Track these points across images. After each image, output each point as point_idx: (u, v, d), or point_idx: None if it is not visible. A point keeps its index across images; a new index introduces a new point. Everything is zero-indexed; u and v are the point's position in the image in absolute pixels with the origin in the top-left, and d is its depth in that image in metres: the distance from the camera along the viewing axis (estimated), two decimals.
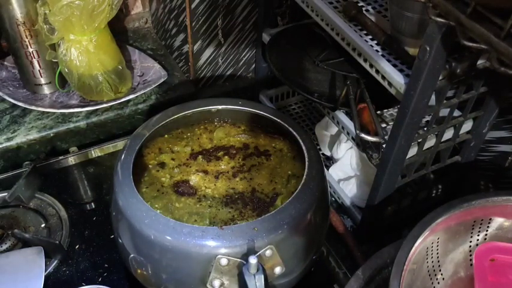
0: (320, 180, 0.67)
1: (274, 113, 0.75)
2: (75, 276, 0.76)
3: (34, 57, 0.92)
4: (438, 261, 0.59)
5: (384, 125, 0.74)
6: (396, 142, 0.64)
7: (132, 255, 0.65)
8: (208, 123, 0.80)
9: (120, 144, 0.95)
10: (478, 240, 0.60)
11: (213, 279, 0.60)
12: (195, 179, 0.71)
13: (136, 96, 0.98)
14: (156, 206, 0.67)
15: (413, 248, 0.52)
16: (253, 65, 1.07)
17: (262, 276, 0.56)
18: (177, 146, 0.76)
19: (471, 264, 0.60)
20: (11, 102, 0.94)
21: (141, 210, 0.62)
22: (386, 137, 0.66)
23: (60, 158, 0.92)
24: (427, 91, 0.59)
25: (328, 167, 0.90)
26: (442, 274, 0.59)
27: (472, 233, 0.59)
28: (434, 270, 0.59)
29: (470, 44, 0.42)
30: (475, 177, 0.86)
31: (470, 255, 0.60)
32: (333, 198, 0.88)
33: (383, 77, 0.65)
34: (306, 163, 0.67)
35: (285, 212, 0.62)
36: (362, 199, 0.84)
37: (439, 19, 0.45)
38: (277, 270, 0.62)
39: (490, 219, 0.59)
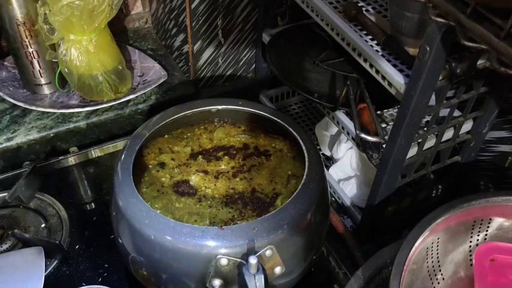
0: (320, 180, 0.67)
1: (274, 113, 0.75)
2: (75, 276, 0.76)
3: (34, 57, 0.92)
4: (438, 261, 0.59)
5: (384, 125, 0.74)
6: (396, 142, 0.64)
7: (132, 255, 0.65)
8: (208, 124, 0.80)
9: (120, 144, 0.95)
10: (478, 240, 0.60)
11: (213, 279, 0.60)
12: (195, 179, 0.71)
13: (136, 97, 0.98)
14: (156, 206, 0.67)
15: (413, 248, 0.52)
16: (253, 65, 1.07)
17: (262, 276, 0.56)
18: (177, 146, 0.76)
19: (471, 264, 0.60)
20: (11, 102, 0.94)
21: (141, 210, 0.62)
22: (386, 137, 0.66)
23: (60, 158, 0.92)
24: (427, 91, 0.59)
25: (328, 167, 0.90)
26: (442, 274, 0.59)
27: (472, 233, 0.59)
28: (434, 270, 0.59)
29: (470, 44, 0.42)
30: (475, 177, 0.86)
31: (470, 255, 0.60)
32: (333, 198, 0.88)
33: (383, 77, 0.65)
34: (306, 163, 0.67)
35: (285, 212, 0.62)
36: (362, 199, 0.84)
37: (439, 19, 0.45)
38: (277, 270, 0.62)
39: (490, 219, 0.59)
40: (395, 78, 0.63)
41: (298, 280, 0.69)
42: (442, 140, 0.73)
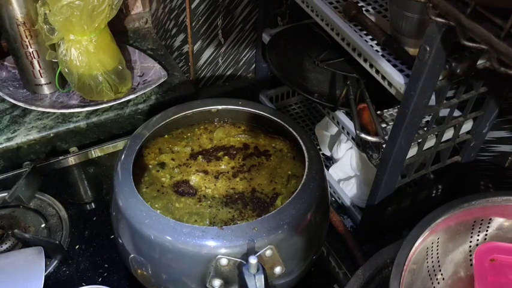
0: (320, 180, 0.67)
1: (274, 113, 0.75)
2: (75, 276, 0.76)
3: (34, 57, 0.92)
4: (438, 261, 0.59)
5: (384, 125, 0.74)
6: (396, 142, 0.64)
7: (132, 255, 0.65)
8: (208, 124, 0.80)
9: (120, 144, 0.95)
10: (478, 240, 0.60)
11: (213, 279, 0.60)
12: (195, 179, 0.71)
13: (136, 97, 0.98)
14: (156, 206, 0.67)
15: (413, 248, 0.52)
16: (253, 65, 1.07)
17: (262, 276, 0.56)
18: (177, 146, 0.76)
19: (471, 264, 0.60)
20: (11, 102, 0.94)
21: (141, 210, 0.62)
22: (386, 137, 0.66)
23: (60, 158, 0.92)
24: (427, 91, 0.59)
25: (328, 167, 0.90)
26: (442, 274, 0.59)
27: (472, 233, 0.59)
28: (434, 270, 0.59)
29: (470, 44, 0.42)
30: (475, 177, 0.86)
31: (470, 255, 0.60)
32: (333, 198, 0.88)
33: (383, 77, 0.65)
34: (306, 163, 0.67)
35: (285, 212, 0.62)
36: (362, 199, 0.84)
37: (439, 19, 0.45)
38: (277, 270, 0.62)
39: (490, 219, 0.59)
40: (395, 78, 0.63)
41: (298, 280, 0.69)
42: (442, 140, 0.73)
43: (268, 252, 0.60)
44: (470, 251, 0.60)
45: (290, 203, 0.63)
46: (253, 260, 0.55)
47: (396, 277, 0.49)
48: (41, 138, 0.91)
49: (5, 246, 0.77)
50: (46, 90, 0.97)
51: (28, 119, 0.93)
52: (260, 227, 0.60)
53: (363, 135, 0.66)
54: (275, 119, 0.74)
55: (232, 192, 0.70)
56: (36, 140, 0.91)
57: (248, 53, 1.05)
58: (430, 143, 0.73)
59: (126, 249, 0.65)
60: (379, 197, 0.72)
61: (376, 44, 0.69)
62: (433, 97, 0.69)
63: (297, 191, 0.64)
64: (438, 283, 0.59)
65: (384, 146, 0.67)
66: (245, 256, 0.58)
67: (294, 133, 0.72)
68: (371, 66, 0.67)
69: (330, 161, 0.93)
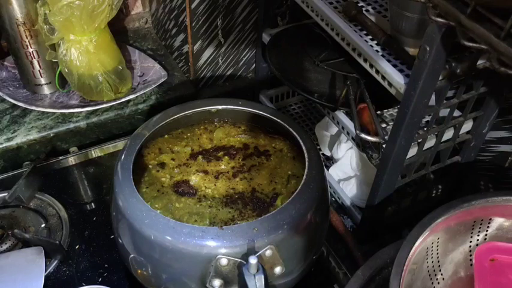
0: (320, 181, 0.67)
1: (274, 113, 0.75)
2: (75, 276, 0.76)
3: (34, 58, 0.92)
4: (438, 261, 0.59)
5: (384, 125, 0.74)
6: (396, 142, 0.64)
7: (132, 255, 0.65)
8: (208, 124, 0.80)
9: (120, 144, 0.95)
10: (478, 240, 0.60)
11: (213, 279, 0.60)
12: (195, 179, 0.71)
13: (136, 97, 0.98)
14: (156, 206, 0.67)
15: (413, 248, 0.52)
16: (253, 65, 1.07)
17: (262, 276, 0.56)
18: (177, 146, 0.76)
19: (471, 264, 0.60)
20: (11, 102, 0.94)
21: (141, 210, 0.62)
22: (386, 137, 0.66)
23: (60, 158, 0.92)
24: (427, 91, 0.59)
25: (328, 167, 0.90)
26: (442, 274, 0.59)
27: (472, 233, 0.59)
28: (434, 270, 0.59)
29: (470, 44, 0.42)
30: (475, 177, 0.86)
31: (470, 255, 0.60)
32: (333, 198, 0.88)
33: (383, 77, 0.65)
34: (306, 163, 0.67)
35: (285, 212, 0.62)
36: (362, 199, 0.84)
37: (439, 19, 0.45)
38: (277, 270, 0.62)
39: (490, 219, 0.59)
40: (395, 78, 0.63)
41: (298, 280, 0.69)
42: (442, 140, 0.73)
43: (268, 252, 0.60)
44: (470, 251, 0.60)
45: (290, 203, 0.63)
46: (253, 260, 0.55)
47: (396, 277, 0.49)
48: (41, 138, 0.91)
49: (5, 246, 0.77)
50: (46, 90, 0.97)
51: (28, 119, 0.93)
52: (260, 227, 0.60)
53: (363, 135, 0.66)
54: (275, 119, 0.74)
55: (232, 192, 0.70)
56: (36, 140, 0.91)
57: (248, 53, 1.05)
58: (430, 143, 0.73)
59: (126, 249, 0.65)
60: (379, 197, 0.72)
61: (376, 44, 0.69)
62: (433, 97, 0.69)
63: (297, 191, 0.64)
64: (438, 283, 0.59)
65: (384, 146, 0.67)
66: (245, 256, 0.58)
67: (294, 133, 0.72)
68: (371, 66, 0.67)
69: (330, 161, 0.93)
